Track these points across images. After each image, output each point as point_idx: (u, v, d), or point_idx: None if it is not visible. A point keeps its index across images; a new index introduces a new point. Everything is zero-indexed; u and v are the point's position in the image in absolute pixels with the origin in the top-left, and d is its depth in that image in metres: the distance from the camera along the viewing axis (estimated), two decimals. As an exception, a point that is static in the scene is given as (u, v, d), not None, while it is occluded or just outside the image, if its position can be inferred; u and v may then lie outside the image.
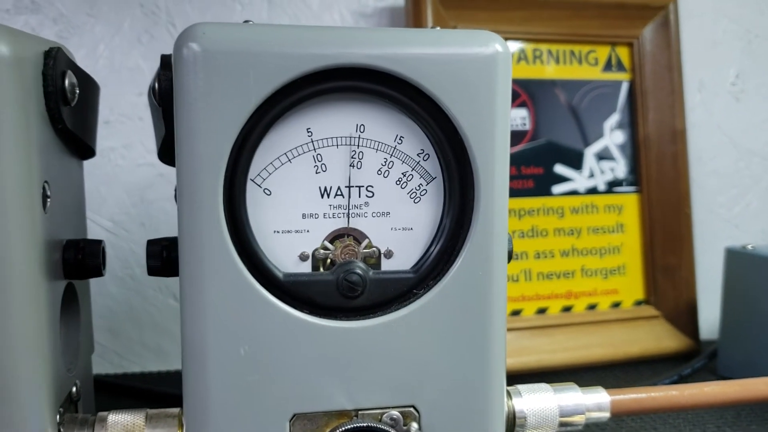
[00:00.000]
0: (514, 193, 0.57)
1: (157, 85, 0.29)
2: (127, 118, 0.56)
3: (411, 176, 0.29)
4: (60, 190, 0.30)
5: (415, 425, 0.28)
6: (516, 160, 0.58)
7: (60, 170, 0.30)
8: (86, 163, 0.38)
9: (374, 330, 0.28)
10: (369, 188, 0.29)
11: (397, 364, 0.28)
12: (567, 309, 0.59)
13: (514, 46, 0.58)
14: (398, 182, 0.29)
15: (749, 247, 0.54)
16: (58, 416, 0.29)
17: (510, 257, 0.30)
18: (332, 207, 0.29)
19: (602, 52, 0.61)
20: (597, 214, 0.60)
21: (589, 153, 0.60)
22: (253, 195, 0.28)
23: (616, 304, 0.60)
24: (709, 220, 0.67)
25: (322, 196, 0.29)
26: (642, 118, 0.61)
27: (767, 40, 0.68)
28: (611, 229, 0.61)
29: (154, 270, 0.30)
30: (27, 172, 0.26)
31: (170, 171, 0.57)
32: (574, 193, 0.60)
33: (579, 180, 0.60)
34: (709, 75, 0.67)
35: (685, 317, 0.60)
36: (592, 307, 0.60)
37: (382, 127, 0.29)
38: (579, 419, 0.34)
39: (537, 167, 0.58)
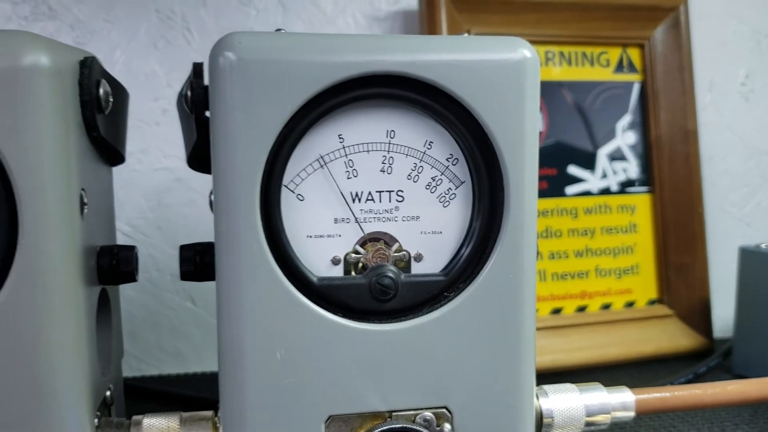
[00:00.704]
0: (528, 194, 0.57)
1: (189, 92, 0.30)
2: (144, 123, 0.57)
3: (440, 181, 0.30)
4: (94, 197, 0.31)
5: (448, 426, 0.29)
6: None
7: (94, 177, 0.31)
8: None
9: (406, 332, 0.29)
10: (399, 193, 0.30)
11: (430, 365, 0.29)
12: (581, 309, 0.59)
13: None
14: (428, 187, 0.30)
15: (763, 246, 0.55)
16: (96, 420, 0.29)
17: (535, 257, 0.31)
18: (363, 211, 0.30)
19: (614, 54, 0.61)
20: (610, 215, 0.61)
21: (602, 154, 0.61)
22: (286, 200, 0.29)
23: (630, 304, 0.61)
24: (720, 218, 0.68)
25: (354, 200, 0.29)
26: (654, 119, 0.61)
27: (776, 40, 0.69)
28: (624, 229, 0.61)
29: (187, 275, 0.31)
30: (67, 179, 0.27)
31: (187, 175, 0.58)
32: (587, 193, 0.60)
33: (592, 180, 0.60)
34: (719, 75, 0.67)
35: (698, 316, 0.61)
36: (606, 306, 0.60)
37: (411, 133, 0.29)
38: (604, 419, 0.35)
39: (551, 168, 0.59)
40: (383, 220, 0.30)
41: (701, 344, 0.60)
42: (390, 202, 0.30)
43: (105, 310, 0.34)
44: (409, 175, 0.30)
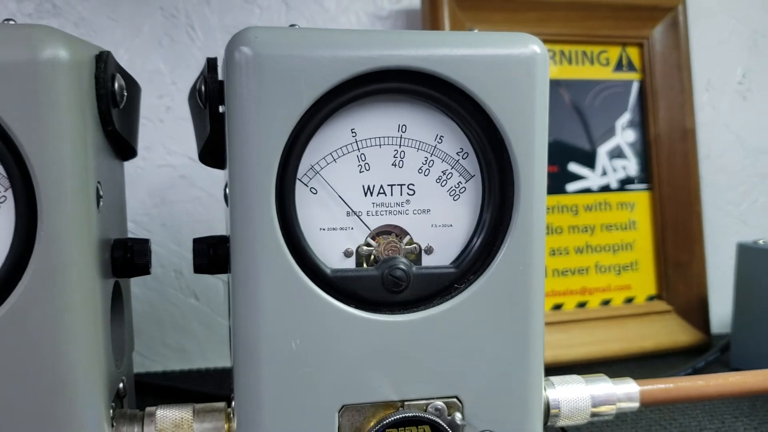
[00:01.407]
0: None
1: (203, 87, 0.30)
2: (148, 120, 0.57)
3: (450, 174, 0.30)
4: (108, 191, 0.31)
5: (458, 415, 0.29)
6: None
7: (108, 171, 0.31)
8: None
9: (418, 323, 0.29)
10: (410, 186, 0.30)
11: (441, 356, 0.29)
12: (582, 305, 0.60)
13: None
14: (438, 180, 0.30)
15: (761, 242, 0.55)
16: (111, 411, 0.29)
17: (544, 250, 0.31)
18: (375, 205, 0.30)
19: (613, 53, 0.62)
20: (610, 212, 0.61)
21: (602, 151, 0.61)
22: (300, 194, 0.29)
23: (629, 300, 0.61)
24: (718, 216, 0.68)
25: (366, 194, 0.30)
26: (653, 117, 0.62)
27: (772, 39, 0.69)
28: (624, 226, 0.62)
29: (201, 268, 0.31)
30: (84, 172, 0.27)
31: (191, 172, 0.58)
32: (587, 191, 0.61)
33: (592, 178, 0.61)
34: (716, 74, 0.68)
35: (696, 312, 0.62)
36: (606, 302, 0.61)
37: (422, 127, 0.30)
38: (609, 409, 0.35)
39: (552, 165, 0.59)
40: (394, 213, 0.30)
41: (699, 339, 0.61)
42: (401, 195, 0.30)
43: (118, 303, 0.34)
44: (420, 168, 0.30)
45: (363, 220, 0.30)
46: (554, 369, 0.55)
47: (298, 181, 0.29)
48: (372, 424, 0.28)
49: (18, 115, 0.25)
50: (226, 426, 0.31)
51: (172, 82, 0.57)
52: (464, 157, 0.30)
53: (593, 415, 0.35)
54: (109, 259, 0.30)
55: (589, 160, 0.61)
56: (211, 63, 0.30)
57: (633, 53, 0.62)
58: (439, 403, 0.29)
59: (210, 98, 0.30)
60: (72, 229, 0.26)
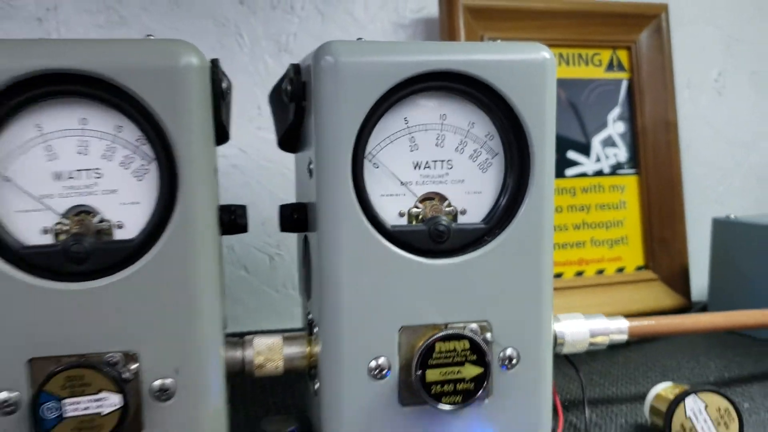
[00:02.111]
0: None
1: (289, 87, 0.39)
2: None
3: (480, 152, 0.39)
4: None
5: (489, 334, 0.38)
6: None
7: (214, 152, 0.40)
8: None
9: (457, 266, 0.38)
10: (449, 162, 0.39)
11: (474, 290, 0.38)
12: (579, 274, 0.69)
13: (532, 50, 0.68)
14: (470, 157, 0.39)
15: (732, 216, 0.65)
16: (223, 338, 0.38)
17: (553, 211, 0.40)
18: (422, 176, 0.39)
19: (605, 55, 0.71)
20: (603, 193, 0.71)
21: (596, 141, 0.71)
22: (366, 168, 0.38)
23: (621, 270, 0.70)
24: (698, 199, 0.78)
25: (414, 168, 0.39)
26: (639, 111, 0.71)
27: (745, 43, 0.79)
28: (615, 206, 0.71)
29: (285, 227, 0.40)
30: (209, 151, 0.36)
31: (242, 162, 0.67)
32: (583, 175, 0.70)
33: (587, 164, 0.70)
34: (695, 74, 0.77)
35: (679, 280, 0.71)
36: (600, 272, 0.70)
37: (458, 116, 0.39)
38: (603, 340, 0.44)
39: (552, 153, 0.68)
40: (437, 182, 0.39)
41: (681, 304, 0.70)
42: (442, 169, 0.39)
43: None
44: (456, 148, 0.39)
45: (411, 189, 0.39)
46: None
47: (365, 159, 0.38)
48: (423, 340, 0.37)
49: (173, 108, 0.34)
50: (308, 349, 0.40)
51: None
52: (491, 139, 0.39)
53: (591, 344, 0.44)
54: (218, 220, 0.39)
55: (584, 149, 0.70)
56: (296, 68, 0.39)
57: (622, 55, 0.72)
58: (474, 325, 0.38)
59: (295, 95, 0.39)
60: (201, 194, 0.35)
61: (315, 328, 0.40)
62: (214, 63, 0.38)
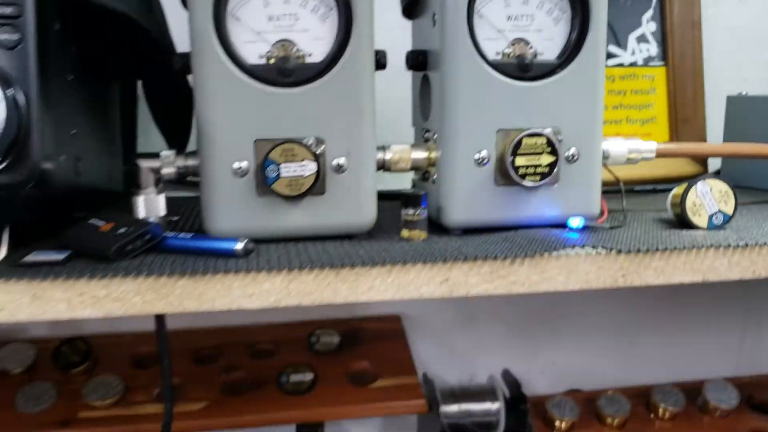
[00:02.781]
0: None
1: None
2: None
3: (553, 10, 0.55)
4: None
5: (560, 136, 0.55)
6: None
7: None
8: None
9: (541, 87, 0.54)
10: (531, 17, 0.55)
11: (553, 105, 0.55)
12: (616, 145, 0.85)
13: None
14: (547, 13, 0.55)
15: (744, 93, 0.80)
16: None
17: (605, 54, 0.56)
18: (517, 26, 0.55)
19: (641, -35, 0.85)
20: (636, 81, 0.86)
21: (631, 38, 0.86)
22: (474, 19, 0.54)
23: (650, 143, 0.86)
24: (716, 88, 0.92)
25: (508, 20, 0.55)
26: (669, 12, 0.86)
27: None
28: (646, 91, 0.86)
29: (413, 66, 0.57)
30: (373, 6, 0.52)
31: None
32: (620, 65, 0.85)
33: (624, 56, 0.85)
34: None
35: (698, 153, 0.86)
36: (633, 144, 0.85)
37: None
38: (636, 155, 0.60)
39: (596, 45, 0.84)
40: (524, 31, 0.55)
41: (699, 171, 0.86)
42: (526, 22, 0.55)
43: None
44: (537, 5, 0.55)
45: (506, 35, 0.55)
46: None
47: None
48: (514, 137, 0.54)
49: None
50: (429, 154, 0.57)
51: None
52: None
53: (627, 160, 0.60)
54: (367, 58, 0.56)
55: (622, 44, 0.85)
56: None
57: (656, -34, 0.86)
58: (549, 130, 0.55)
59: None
60: (366, 34, 0.52)
61: (434, 135, 0.56)
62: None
